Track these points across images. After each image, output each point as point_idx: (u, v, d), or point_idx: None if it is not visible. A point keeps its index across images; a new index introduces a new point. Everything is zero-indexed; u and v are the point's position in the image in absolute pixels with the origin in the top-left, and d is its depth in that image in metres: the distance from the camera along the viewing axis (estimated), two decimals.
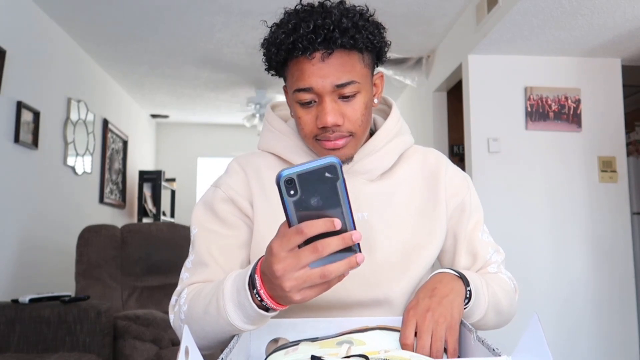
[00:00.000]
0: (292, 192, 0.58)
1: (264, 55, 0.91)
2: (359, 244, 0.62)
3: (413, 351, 0.77)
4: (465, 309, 0.85)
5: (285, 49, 0.85)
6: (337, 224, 0.59)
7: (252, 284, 0.70)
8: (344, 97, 0.87)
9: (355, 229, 0.62)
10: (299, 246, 0.61)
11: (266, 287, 0.68)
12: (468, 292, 0.85)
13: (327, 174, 0.58)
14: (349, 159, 0.93)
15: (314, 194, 0.59)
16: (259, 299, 0.69)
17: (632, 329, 3.21)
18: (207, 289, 0.83)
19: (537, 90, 3.29)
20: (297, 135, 0.99)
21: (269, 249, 0.64)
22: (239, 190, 0.98)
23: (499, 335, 0.99)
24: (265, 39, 0.91)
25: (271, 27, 0.90)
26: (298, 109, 0.89)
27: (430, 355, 0.76)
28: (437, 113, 4.07)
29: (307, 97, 0.87)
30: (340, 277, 0.63)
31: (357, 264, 0.62)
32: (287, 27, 0.85)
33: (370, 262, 0.93)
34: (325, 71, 0.84)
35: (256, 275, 0.69)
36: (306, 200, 0.59)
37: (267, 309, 0.71)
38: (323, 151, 0.91)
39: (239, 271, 0.78)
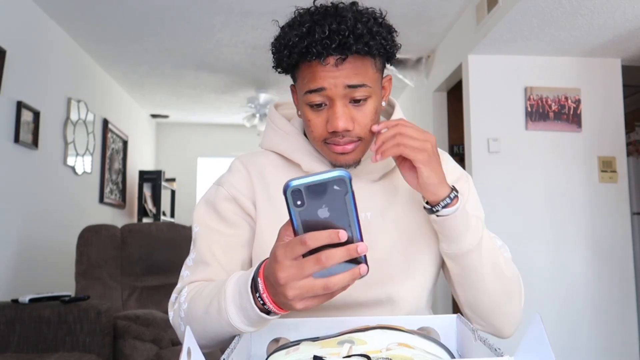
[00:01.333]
0: (298, 202, 0.58)
1: (274, 55, 0.90)
2: (365, 255, 0.62)
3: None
4: (444, 212, 0.85)
5: (298, 53, 0.84)
6: (343, 235, 0.59)
7: (254, 287, 0.70)
8: (355, 101, 0.86)
9: (362, 241, 0.61)
10: (304, 255, 0.61)
11: (269, 292, 0.68)
12: (453, 194, 0.84)
13: (335, 187, 0.57)
14: (356, 163, 0.93)
15: (321, 205, 0.59)
16: (261, 302, 0.69)
17: (632, 329, 3.21)
18: (208, 289, 0.83)
19: (537, 90, 3.29)
20: (301, 135, 0.99)
21: (273, 255, 0.64)
22: (241, 189, 0.98)
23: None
24: (276, 39, 0.89)
25: (283, 27, 0.89)
26: (308, 111, 0.89)
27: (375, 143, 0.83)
28: (437, 113, 4.07)
29: (318, 99, 0.86)
30: (343, 287, 0.63)
31: (361, 276, 0.62)
32: (301, 29, 0.83)
33: (373, 262, 0.93)
34: (337, 74, 0.84)
35: (259, 279, 0.69)
36: (313, 211, 0.59)
37: (268, 312, 0.71)
38: (331, 155, 0.91)
39: (241, 273, 0.77)
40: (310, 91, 0.85)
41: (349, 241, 0.61)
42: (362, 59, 0.85)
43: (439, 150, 1.05)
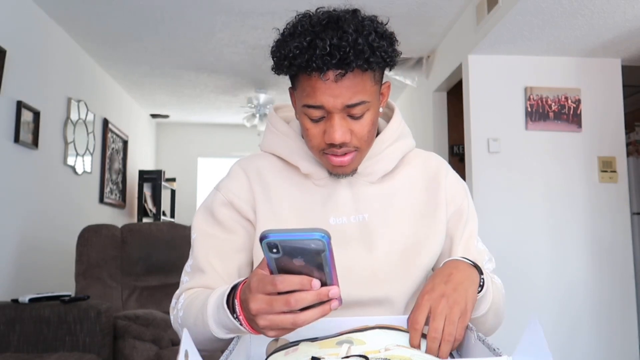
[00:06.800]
0: (274, 250, 0.59)
1: (274, 62, 0.89)
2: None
3: (421, 336, 0.77)
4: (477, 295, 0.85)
5: (298, 65, 0.83)
6: (315, 285, 0.60)
7: (232, 308, 0.74)
8: (353, 116, 0.87)
9: (336, 284, 0.62)
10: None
11: (244, 315, 0.71)
12: (482, 281, 0.85)
13: (312, 245, 0.58)
14: (353, 171, 0.95)
15: (297, 257, 0.60)
16: (238, 323, 0.73)
17: (632, 329, 3.21)
18: (197, 301, 0.86)
19: (537, 90, 3.28)
20: (299, 137, 1.00)
21: (248, 284, 0.67)
22: (239, 193, 0.98)
23: (498, 335, 0.99)
24: (276, 47, 0.88)
25: (283, 33, 0.87)
26: (306, 121, 0.89)
27: (442, 339, 0.76)
28: (437, 113, 4.07)
29: (316, 113, 0.86)
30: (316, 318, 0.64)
31: (330, 311, 0.63)
32: (302, 42, 0.82)
33: (371, 262, 0.94)
34: (337, 91, 0.83)
35: (236, 301, 0.72)
36: (288, 260, 0.60)
37: None
38: (329, 165, 0.92)
39: (223, 289, 0.79)
40: (309, 106, 0.86)
41: (323, 283, 0.61)
42: (362, 74, 0.84)
43: (439, 159, 1.06)
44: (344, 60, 0.81)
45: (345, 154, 0.89)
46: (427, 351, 0.75)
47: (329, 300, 0.63)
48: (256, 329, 0.69)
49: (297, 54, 0.82)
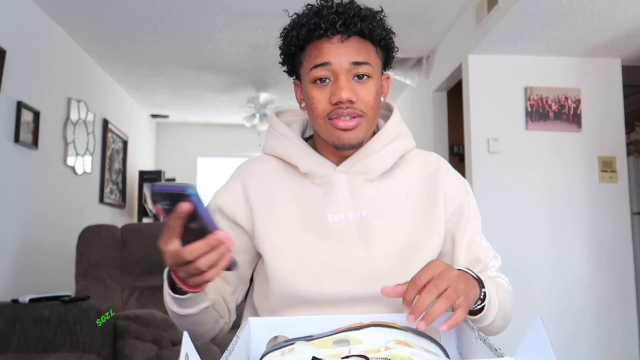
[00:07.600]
0: (163, 201, 0.70)
1: (283, 41, 0.97)
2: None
3: (409, 306, 0.74)
4: (480, 313, 0.84)
5: (306, 30, 0.91)
6: (183, 207, 0.67)
7: (173, 286, 0.83)
8: (359, 77, 0.91)
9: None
10: (183, 243, 0.72)
11: (182, 281, 0.79)
12: (482, 294, 0.84)
13: (183, 198, 0.68)
14: (358, 142, 0.95)
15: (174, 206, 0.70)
16: (184, 291, 0.81)
17: (632, 329, 3.21)
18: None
19: (537, 90, 3.28)
20: (299, 138, 1.02)
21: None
22: (231, 200, 1.01)
23: (500, 334, 0.99)
24: (284, 28, 0.97)
25: (292, 16, 0.96)
26: (312, 89, 0.93)
27: (424, 314, 0.71)
28: (437, 113, 4.07)
29: (323, 72, 0.91)
30: (222, 263, 0.73)
31: (218, 240, 0.70)
32: (310, 12, 0.92)
33: (369, 258, 0.95)
34: (342, 50, 0.91)
35: (173, 275, 0.81)
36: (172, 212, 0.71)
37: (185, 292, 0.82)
38: (335, 133, 0.93)
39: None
40: (316, 66, 0.91)
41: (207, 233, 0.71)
42: (365, 42, 0.92)
43: (439, 158, 1.07)
44: (349, 23, 0.89)
45: (351, 117, 0.92)
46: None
47: (213, 233, 0.70)
48: (192, 282, 0.77)
49: (305, 21, 0.91)
